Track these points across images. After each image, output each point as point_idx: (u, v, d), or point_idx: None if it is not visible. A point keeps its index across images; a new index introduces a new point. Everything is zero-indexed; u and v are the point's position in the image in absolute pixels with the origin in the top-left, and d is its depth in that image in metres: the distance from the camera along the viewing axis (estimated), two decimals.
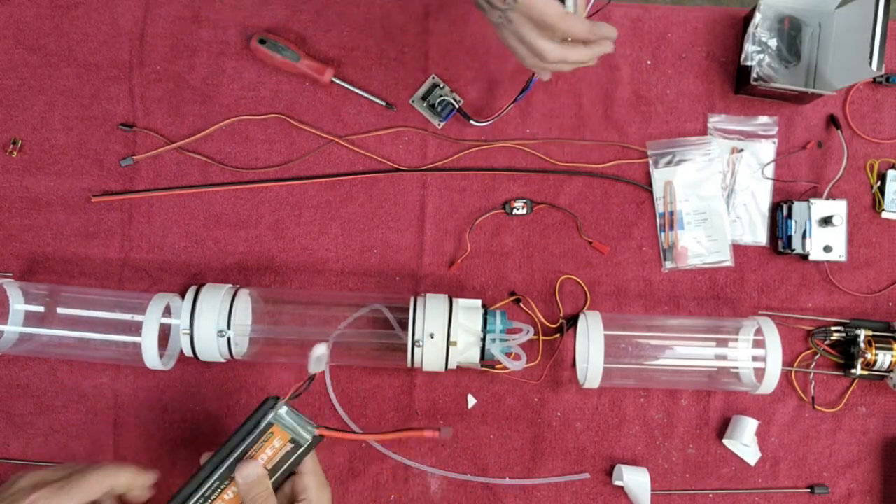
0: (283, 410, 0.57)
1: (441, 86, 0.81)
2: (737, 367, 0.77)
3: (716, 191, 0.81)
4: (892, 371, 0.77)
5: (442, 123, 0.81)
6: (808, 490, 0.79)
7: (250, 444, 0.57)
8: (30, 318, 0.75)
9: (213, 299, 0.72)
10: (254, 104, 0.82)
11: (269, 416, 0.57)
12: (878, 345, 0.77)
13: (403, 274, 0.81)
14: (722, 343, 0.77)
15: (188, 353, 0.73)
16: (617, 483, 0.77)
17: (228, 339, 0.72)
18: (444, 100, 0.80)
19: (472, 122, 0.80)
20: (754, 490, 0.79)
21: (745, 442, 0.78)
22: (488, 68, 0.82)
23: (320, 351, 0.57)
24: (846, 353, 0.79)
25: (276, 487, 0.58)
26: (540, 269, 0.81)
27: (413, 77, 0.82)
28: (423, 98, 0.81)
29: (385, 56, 0.82)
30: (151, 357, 0.72)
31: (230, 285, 0.75)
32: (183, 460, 0.79)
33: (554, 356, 0.80)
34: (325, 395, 0.79)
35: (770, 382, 0.73)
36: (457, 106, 0.80)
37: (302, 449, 0.58)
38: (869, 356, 0.77)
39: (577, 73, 0.82)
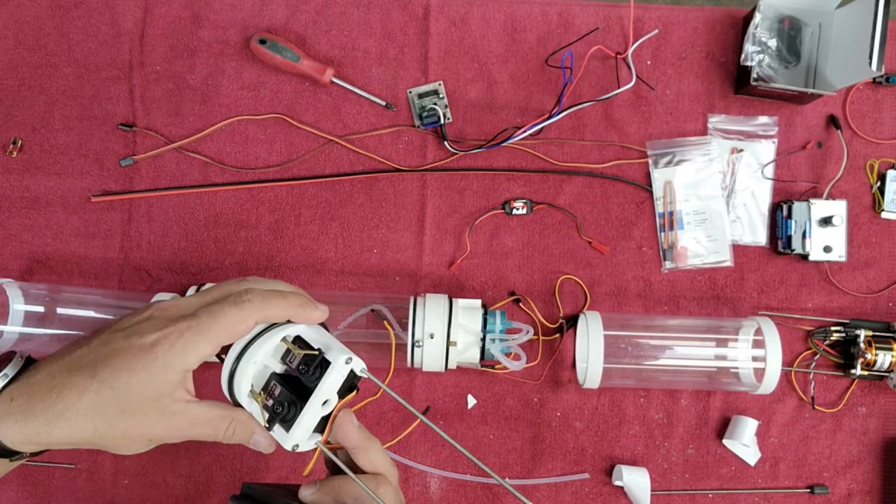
0: None
1: (441, 95, 0.81)
2: (737, 367, 0.77)
3: (715, 191, 0.81)
4: (892, 371, 0.77)
5: (421, 127, 0.81)
6: (808, 490, 0.79)
7: None
8: (30, 319, 0.75)
9: None
10: (254, 104, 0.82)
11: None
12: (878, 345, 0.77)
13: (403, 274, 0.81)
14: (722, 343, 0.77)
15: None
16: (617, 483, 0.77)
17: None
18: (433, 109, 0.80)
19: (446, 143, 0.80)
20: (754, 490, 0.79)
21: (744, 442, 0.78)
22: (488, 68, 0.82)
23: None
24: (846, 353, 0.79)
25: None
26: (540, 269, 0.81)
27: (413, 77, 0.82)
28: (420, 96, 0.81)
29: (385, 56, 0.82)
30: None
31: None
32: (182, 460, 0.79)
33: (554, 356, 0.80)
34: None
35: (770, 382, 0.73)
36: (441, 122, 0.80)
37: None
38: (869, 356, 0.77)
39: (575, 74, 0.81)
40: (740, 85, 0.81)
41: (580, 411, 0.80)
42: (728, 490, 0.79)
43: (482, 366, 0.76)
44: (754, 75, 0.78)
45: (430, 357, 0.71)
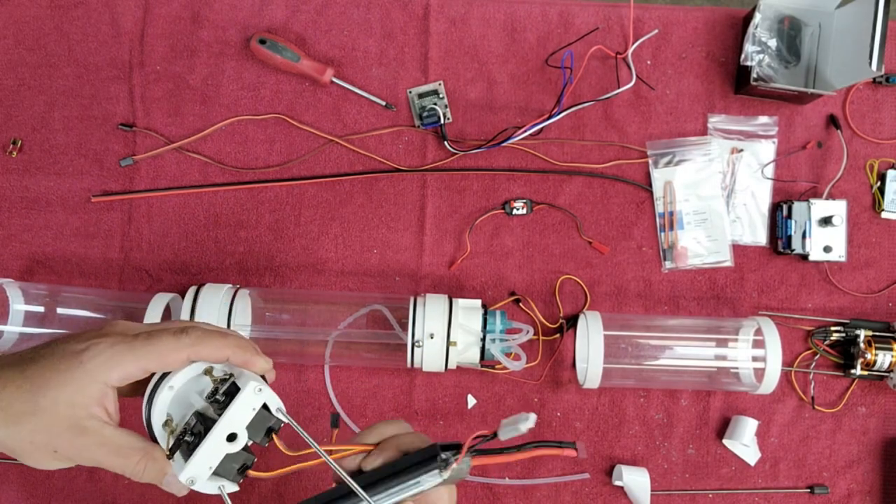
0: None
1: (441, 95, 0.81)
2: (737, 368, 0.77)
3: (715, 191, 0.81)
4: (891, 371, 0.77)
5: (421, 127, 0.81)
6: (808, 490, 0.79)
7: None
8: (30, 319, 0.75)
9: (213, 299, 0.72)
10: (254, 104, 0.82)
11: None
12: (877, 345, 0.77)
13: (403, 274, 0.81)
14: (722, 343, 0.77)
15: None
16: (617, 483, 0.77)
17: None
18: (433, 109, 0.80)
19: (446, 143, 0.80)
20: (754, 490, 0.79)
21: (744, 442, 0.78)
22: (488, 68, 0.82)
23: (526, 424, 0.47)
24: (846, 353, 0.79)
25: None
26: (540, 269, 0.81)
27: (413, 77, 0.82)
28: (420, 96, 0.81)
29: (385, 56, 0.82)
30: None
31: (230, 285, 0.75)
32: None
33: (554, 356, 0.80)
34: (324, 395, 0.79)
35: (770, 382, 0.73)
36: (442, 122, 0.80)
37: None
38: (869, 356, 0.77)
39: (575, 74, 0.81)
40: (740, 85, 0.81)
41: (580, 411, 0.80)
42: (728, 490, 0.79)
43: (482, 366, 0.76)
44: (754, 75, 0.78)
45: (430, 357, 0.71)
